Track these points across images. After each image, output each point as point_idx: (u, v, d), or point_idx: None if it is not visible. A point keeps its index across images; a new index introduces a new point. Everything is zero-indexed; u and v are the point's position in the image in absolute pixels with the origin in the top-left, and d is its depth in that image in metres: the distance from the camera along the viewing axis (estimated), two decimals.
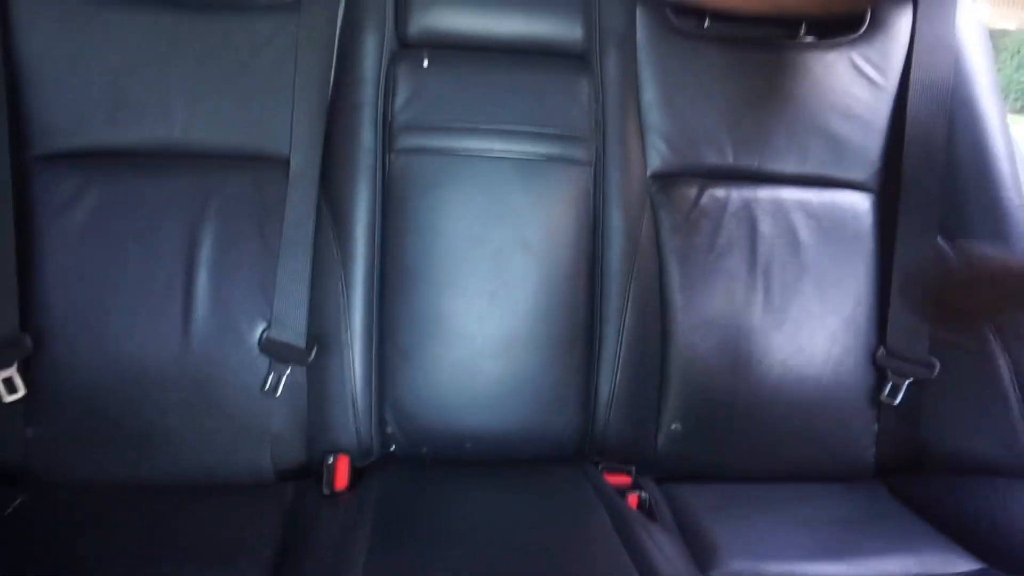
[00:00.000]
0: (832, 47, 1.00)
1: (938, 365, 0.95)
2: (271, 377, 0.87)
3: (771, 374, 0.97)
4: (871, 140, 1.01)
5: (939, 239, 0.98)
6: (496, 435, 0.92)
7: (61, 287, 0.83)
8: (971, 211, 0.97)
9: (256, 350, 0.87)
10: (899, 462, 1.00)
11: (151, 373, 0.85)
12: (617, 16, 0.97)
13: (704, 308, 0.97)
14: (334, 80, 0.91)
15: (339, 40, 0.91)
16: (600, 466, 0.95)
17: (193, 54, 0.87)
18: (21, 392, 0.81)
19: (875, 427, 1.00)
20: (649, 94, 0.98)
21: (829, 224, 1.00)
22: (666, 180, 0.99)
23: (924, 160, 0.97)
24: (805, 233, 0.99)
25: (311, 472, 0.89)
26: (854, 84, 1.00)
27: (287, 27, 0.88)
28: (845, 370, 0.99)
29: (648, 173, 0.99)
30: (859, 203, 1.02)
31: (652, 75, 0.98)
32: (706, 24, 1.00)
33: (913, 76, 0.99)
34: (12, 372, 0.81)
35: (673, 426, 0.97)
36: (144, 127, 0.86)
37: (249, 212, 0.88)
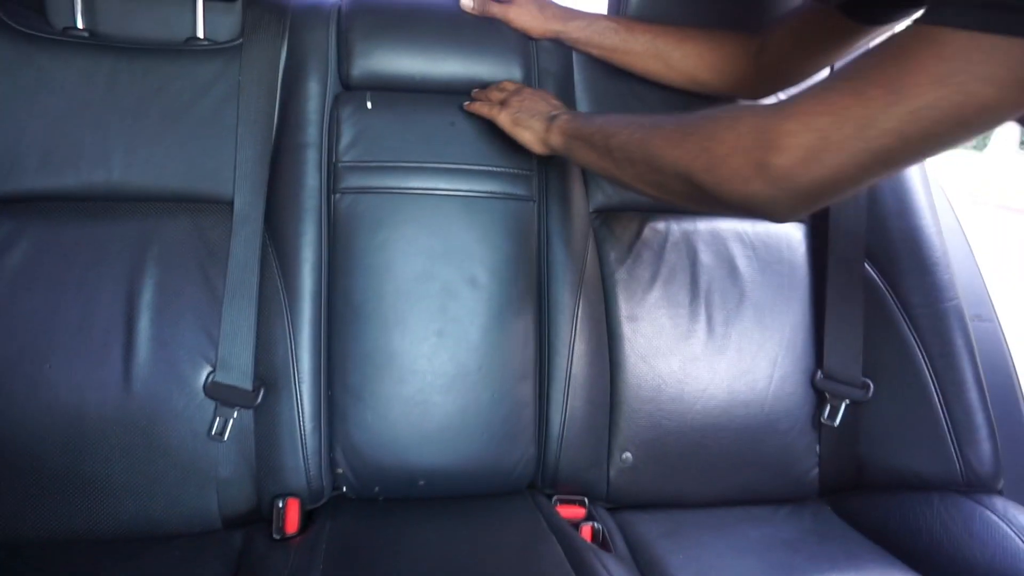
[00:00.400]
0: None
1: (872, 387, 0.99)
2: (217, 421, 0.85)
3: (717, 400, 1.00)
4: None
5: (866, 265, 1.02)
6: (449, 471, 0.92)
7: None
8: (893, 238, 1.01)
9: (201, 394, 0.86)
10: (841, 481, 1.03)
11: (91, 421, 0.82)
12: (554, 57, 1.00)
13: (650, 337, 0.99)
14: (278, 122, 0.91)
15: (282, 83, 0.91)
16: (553, 498, 0.96)
17: (133, 98, 0.86)
18: None
19: (817, 448, 1.03)
20: None
21: (765, 253, 1.04)
22: (608, 214, 1.01)
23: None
24: (743, 262, 1.03)
25: (260, 517, 0.88)
26: None
27: (229, 70, 0.89)
28: (786, 394, 1.02)
29: (591, 208, 1.01)
30: (792, 233, 1.06)
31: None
32: None
33: None
34: None
35: (624, 455, 0.98)
36: (81, 171, 0.85)
37: (192, 255, 0.87)
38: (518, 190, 0.96)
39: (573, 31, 0.96)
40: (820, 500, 1.04)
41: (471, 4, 0.94)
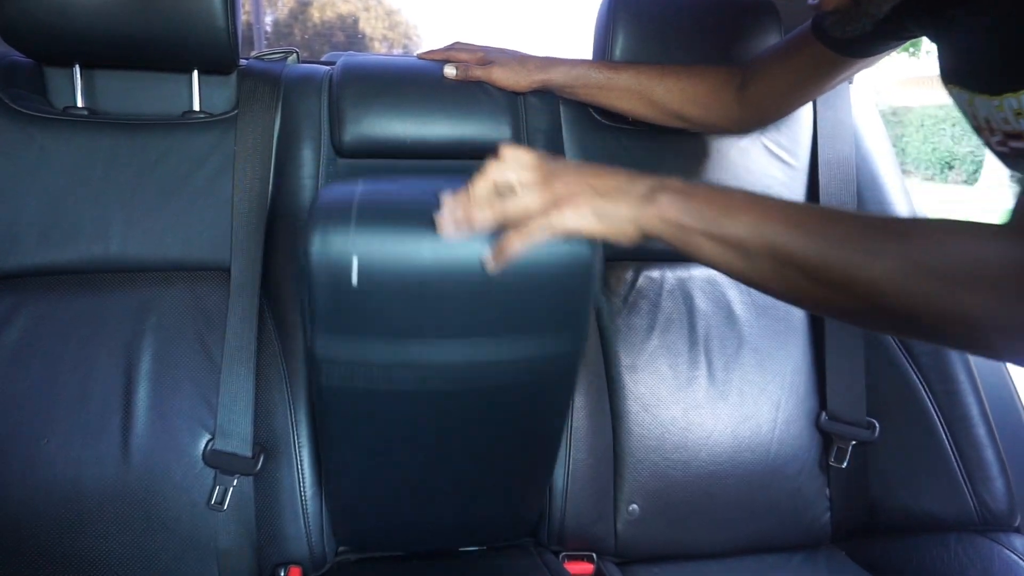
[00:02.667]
0: (753, 137, 1.07)
1: (878, 427, 0.98)
2: (217, 490, 0.84)
3: (722, 446, 0.99)
4: None
5: None
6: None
7: None
8: None
9: (200, 463, 0.85)
10: (854, 525, 1.01)
11: (89, 496, 0.81)
12: (543, 116, 1.02)
13: (651, 386, 0.99)
14: (273, 189, 0.92)
15: (277, 151, 0.93)
16: (560, 555, 0.94)
17: (131, 172, 0.88)
18: None
19: (828, 492, 1.01)
20: None
21: (760, 298, 1.04)
22: (601, 265, 1.02)
23: None
24: (740, 308, 1.04)
25: None
26: (770, 166, 1.07)
27: (224, 142, 0.91)
28: (792, 437, 1.01)
29: None
30: None
31: None
32: (629, 119, 1.05)
33: (820, 156, 1.06)
34: None
35: (631, 507, 0.96)
36: (80, 245, 0.86)
37: (190, 324, 0.87)
38: None
39: (556, 77, 0.98)
40: (833, 545, 1.02)
41: (453, 72, 0.96)
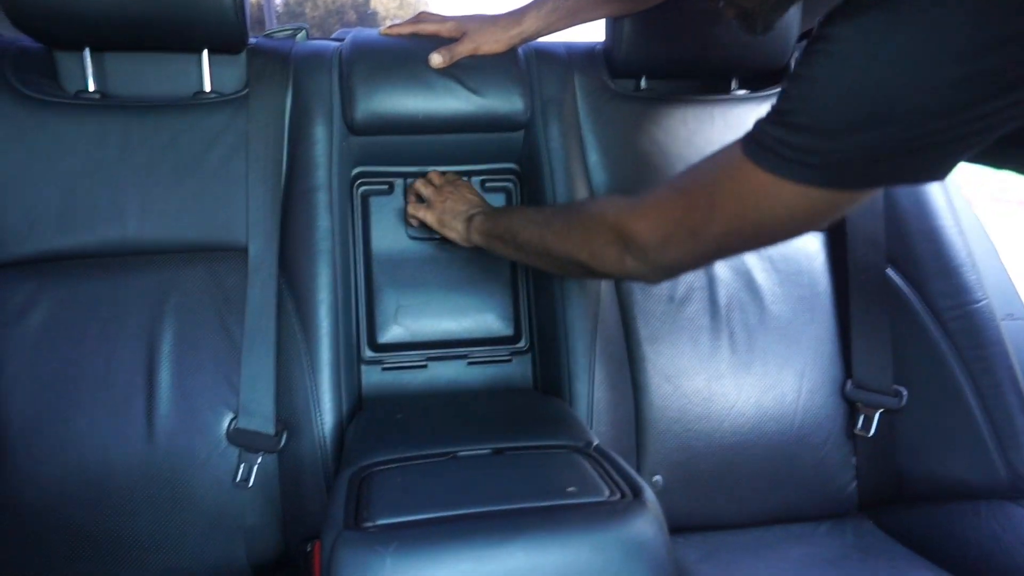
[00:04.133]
0: (763, 99, 1.05)
1: (905, 394, 0.96)
2: (241, 468, 0.85)
3: (746, 416, 0.98)
4: None
5: (889, 271, 1.00)
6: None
7: (18, 397, 0.82)
8: (915, 241, 0.99)
9: (224, 441, 0.85)
10: (881, 494, 1.00)
11: (117, 476, 0.83)
12: (555, 85, 1.01)
13: (672, 358, 0.98)
14: (287, 168, 0.92)
15: (289, 129, 0.93)
16: None
17: (144, 154, 0.88)
18: None
19: (853, 460, 1.00)
20: (594, 156, 1.01)
21: (783, 266, 1.03)
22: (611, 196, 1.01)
23: None
24: (761, 275, 1.02)
25: (288, 562, 0.87)
26: None
27: (236, 121, 0.90)
28: (816, 406, 1.00)
29: None
30: (810, 242, 1.05)
31: (594, 138, 1.01)
32: (642, 85, 1.04)
33: None
34: None
35: (654, 479, 0.96)
36: (97, 229, 0.86)
37: (209, 304, 0.87)
38: None
39: (530, 25, 0.95)
40: (861, 514, 1.01)
41: (440, 59, 0.93)
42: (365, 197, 1.02)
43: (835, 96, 0.51)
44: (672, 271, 0.71)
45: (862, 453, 1.00)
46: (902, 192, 1.02)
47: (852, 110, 0.50)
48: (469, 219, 0.93)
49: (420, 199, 1.01)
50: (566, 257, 0.77)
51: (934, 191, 1.02)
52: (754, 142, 0.57)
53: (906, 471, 0.99)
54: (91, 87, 0.88)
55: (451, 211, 0.95)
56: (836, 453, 1.00)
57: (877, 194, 1.02)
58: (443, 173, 1.03)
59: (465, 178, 1.03)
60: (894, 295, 0.99)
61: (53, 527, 0.81)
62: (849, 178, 0.54)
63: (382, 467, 0.67)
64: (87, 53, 0.87)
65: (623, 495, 0.59)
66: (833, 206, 0.57)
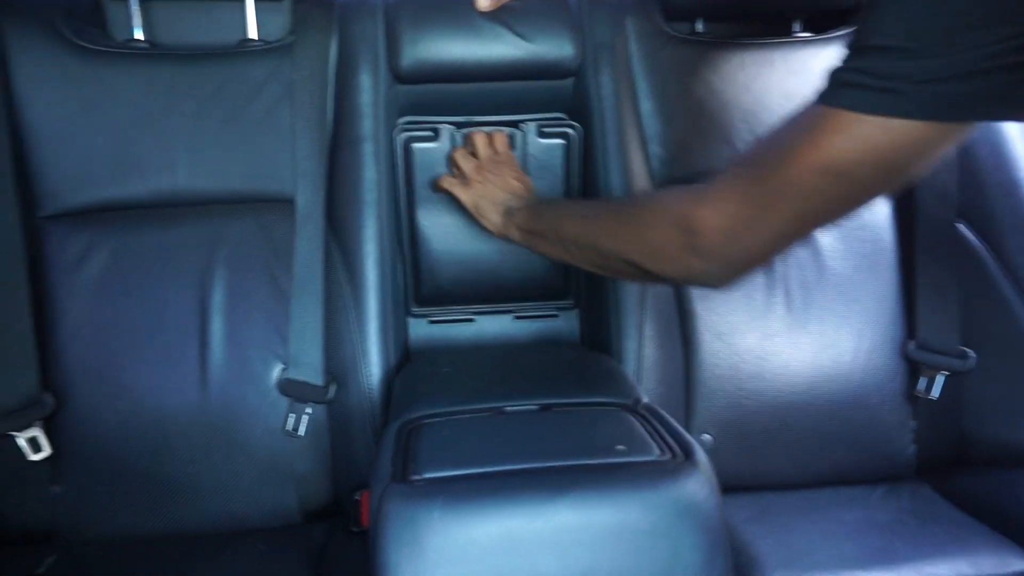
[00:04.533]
0: (827, 42, 0.99)
1: (973, 356, 0.92)
2: (291, 417, 0.87)
3: (800, 376, 0.95)
4: None
5: (960, 226, 0.95)
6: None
7: (78, 344, 0.84)
8: (990, 194, 0.93)
9: (275, 391, 0.87)
10: (941, 458, 0.96)
11: (172, 422, 0.85)
12: (607, 29, 0.97)
13: (724, 315, 0.95)
14: (333, 117, 0.91)
15: (335, 78, 0.92)
16: None
17: (191, 103, 0.88)
18: (46, 451, 0.81)
19: (912, 424, 0.97)
20: (646, 104, 0.98)
21: (844, 219, 0.98)
22: (670, 186, 0.97)
23: None
24: (821, 230, 0.98)
25: (339, 510, 0.89)
26: None
27: (281, 70, 0.89)
28: (875, 367, 0.96)
29: (653, 181, 0.98)
30: None
31: (648, 85, 0.98)
32: (698, 28, 1.00)
33: None
34: (36, 431, 0.81)
35: (704, 437, 0.95)
36: (148, 179, 0.87)
37: (258, 255, 0.88)
38: None
39: None
40: (918, 479, 0.97)
41: (487, 2, 0.87)
42: (408, 144, 1.00)
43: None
44: (742, 265, 0.61)
45: (922, 416, 0.96)
46: (979, 140, 0.96)
47: (948, 14, 0.44)
48: (508, 212, 0.87)
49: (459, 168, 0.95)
50: (617, 255, 0.69)
51: (1014, 139, 0.95)
52: (830, 84, 0.51)
53: (970, 435, 0.95)
54: (139, 35, 0.88)
55: (489, 197, 0.90)
56: (895, 415, 0.97)
57: None
58: (489, 142, 0.95)
59: (514, 131, 0.99)
60: (965, 251, 0.94)
61: (113, 469, 0.84)
62: (944, 106, 0.47)
63: (429, 420, 0.67)
64: (134, 1, 0.87)
65: (674, 454, 0.58)
66: (928, 146, 0.49)
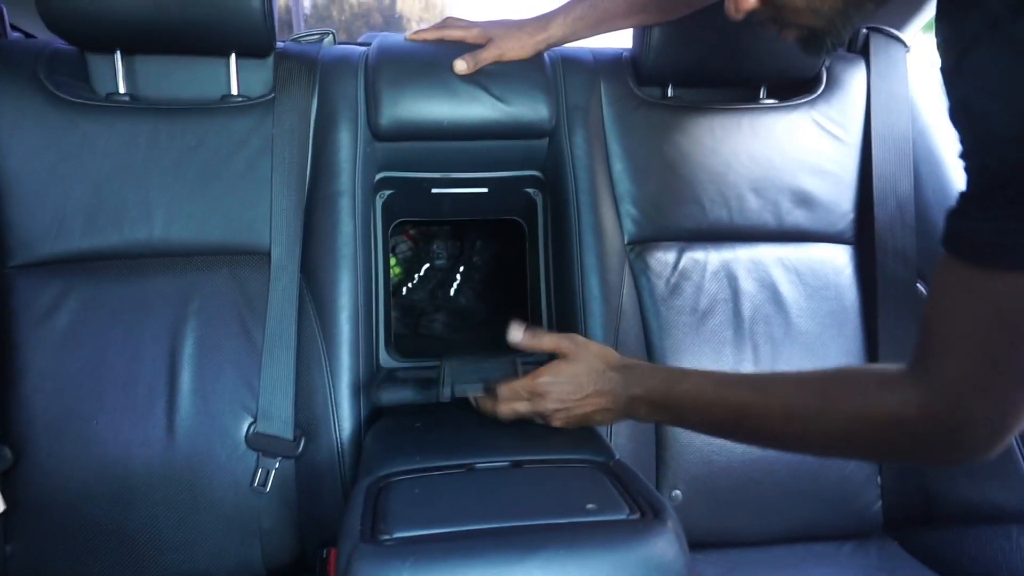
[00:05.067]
0: (793, 108, 1.03)
1: None
2: (259, 472, 0.85)
3: None
4: (842, 193, 1.03)
5: (919, 285, 0.98)
6: None
7: (42, 396, 0.82)
8: None
9: (243, 445, 0.86)
10: (908, 514, 0.98)
11: (137, 476, 0.83)
12: (582, 92, 1.00)
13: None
14: (311, 172, 0.92)
15: (314, 133, 0.93)
16: None
17: (172, 156, 0.88)
18: (0, 507, 0.79)
19: (879, 479, 0.98)
20: (619, 165, 1.00)
21: (810, 277, 1.01)
22: (643, 246, 1.00)
23: (895, 209, 0.99)
24: (787, 288, 1.00)
25: (305, 568, 0.87)
26: (819, 141, 1.03)
27: (262, 125, 0.91)
28: None
29: (625, 240, 1.00)
30: (837, 255, 1.03)
31: (620, 146, 1.00)
32: (669, 93, 1.03)
33: (874, 131, 1.02)
34: None
35: (674, 493, 0.95)
36: (124, 230, 0.87)
37: (231, 307, 0.88)
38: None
39: (556, 32, 0.94)
40: (886, 534, 0.99)
41: (464, 65, 0.92)
42: (388, 205, 1.01)
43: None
44: (1008, 437, 0.56)
45: (888, 471, 0.98)
46: (934, 205, 1.00)
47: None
48: (628, 403, 0.74)
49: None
50: (819, 448, 0.66)
51: None
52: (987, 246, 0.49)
53: (935, 491, 0.96)
54: (121, 89, 0.89)
55: (587, 413, 0.75)
56: (861, 472, 0.98)
57: (908, 206, 1.00)
58: (520, 383, 0.77)
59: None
60: None
61: (74, 525, 0.82)
62: None
63: (400, 477, 0.66)
64: (118, 55, 0.88)
65: (643, 513, 0.58)
66: None
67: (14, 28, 1.01)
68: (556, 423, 0.76)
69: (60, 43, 0.90)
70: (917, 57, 1.07)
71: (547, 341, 0.78)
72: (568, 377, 0.75)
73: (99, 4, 0.81)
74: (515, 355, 0.81)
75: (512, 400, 0.76)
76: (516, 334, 0.79)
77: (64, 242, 0.86)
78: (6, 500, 0.80)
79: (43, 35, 0.93)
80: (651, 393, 0.73)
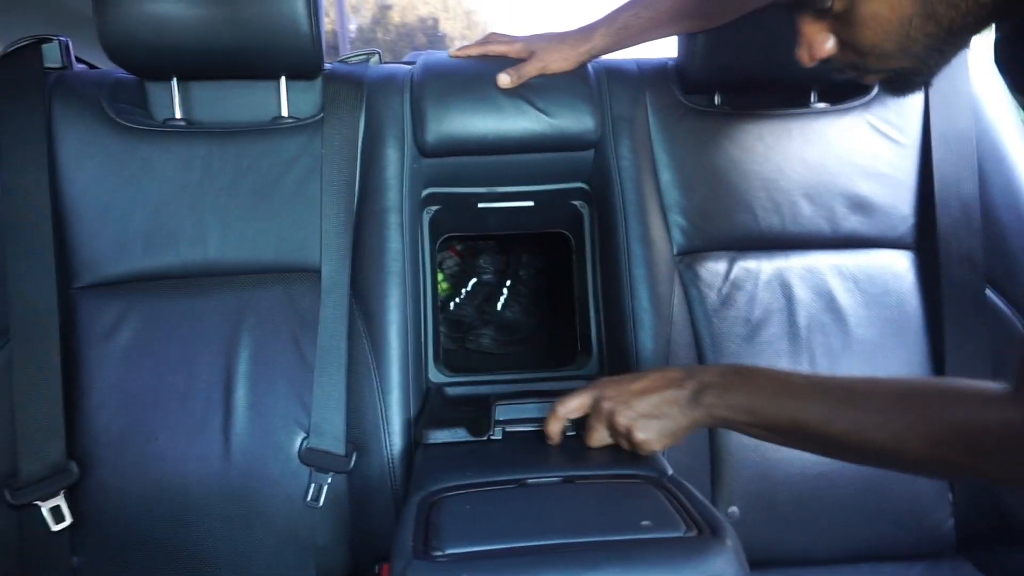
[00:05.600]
0: (846, 111, 1.00)
1: None
2: (312, 487, 0.86)
3: None
4: (900, 197, 0.99)
5: (988, 291, 0.94)
6: None
7: (105, 413, 0.85)
8: (1018, 259, 0.93)
9: (296, 460, 0.86)
10: (982, 533, 0.93)
11: (194, 492, 0.85)
12: (627, 103, 0.99)
13: None
14: (359, 190, 0.93)
15: (361, 152, 0.94)
16: None
17: (225, 178, 0.90)
18: (68, 520, 0.81)
19: (950, 496, 0.94)
20: (666, 175, 0.99)
21: (868, 286, 0.97)
22: (693, 256, 0.98)
23: (959, 211, 0.95)
24: (844, 296, 0.97)
25: None
26: (874, 143, 0.99)
27: (312, 145, 0.92)
28: None
29: (674, 251, 0.98)
30: (897, 261, 0.99)
31: (667, 156, 0.99)
32: (716, 100, 1.01)
33: (934, 130, 0.98)
34: (59, 500, 0.81)
35: (731, 510, 0.92)
36: (181, 251, 0.89)
37: (284, 324, 0.89)
38: None
39: (600, 42, 0.93)
40: (958, 555, 0.94)
41: (508, 80, 0.92)
42: (435, 221, 1.02)
43: None
44: None
45: (960, 488, 0.93)
46: (1000, 205, 0.96)
47: None
48: (696, 396, 0.69)
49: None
50: (910, 464, 0.61)
51: None
52: None
53: (1011, 508, 0.91)
54: (178, 114, 0.92)
55: (653, 406, 0.70)
56: (931, 487, 0.93)
57: (973, 207, 0.95)
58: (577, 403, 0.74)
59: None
60: (995, 318, 0.92)
61: (134, 540, 0.84)
62: None
63: (451, 493, 0.66)
64: (175, 82, 0.91)
65: (700, 530, 0.57)
66: None
67: (79, 60, 1.05)
68: (621, 422, 0.69)
69: (121, 73, 0.93)
70: (977, 52, 1.03)
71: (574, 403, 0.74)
72: (623, 376, 0.74)
73: (156, 35, 0.84)
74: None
75: (569, 413, 0.74)
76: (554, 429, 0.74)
77: (125, 263, 0.88)
78: (73, 514, 0.82)
79: (105, 65, 0.96)
80: (724, 374, 0.68)
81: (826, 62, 0.59)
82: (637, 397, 0.70)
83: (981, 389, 0.57)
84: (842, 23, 0.56)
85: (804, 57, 0.59)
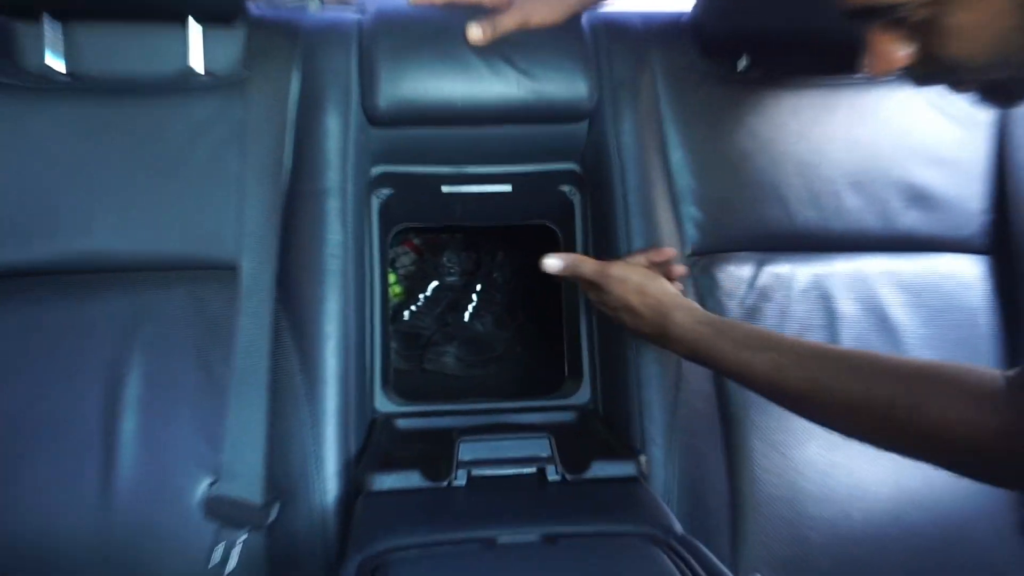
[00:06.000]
0: (904, 82, 0.87)
1: None
2: (220, 548, 0.74)
3: (879, 500, 0.83)
4: (970, 189, 0.91)
5: None
6: None
7: None
8: None
9: (199, 512, 0.75)
10: None
11: (61, 553, 0.73)
12: (629, 65, 0.90)
13: (780, 418, 0.82)
14: (291, 167, 0.83)
15: (295, 119, 0.85)
16: None
17: (118, 149, 0.80)
18: None
19: None
20: (677, 155, 0.90)
21: (930, 298, 0.89)
22: (711, 257, 0.88)
23: None
24: (899, 311, 0.88)
25: None
26: (938, 123, 0.92)
27: (231, 109, 0.82)
28: (979, 488, 0.78)
29: (686, 251, 0.88)
30: (966, 268, 0.90)
31: (679, 132, 0.90)
32: (742, 65, 0.91)
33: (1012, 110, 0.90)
34: None
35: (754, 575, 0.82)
36: (59, 240, 0.78)
37: (188, 336, 0.78)
38: None
39: None
40: None
41: (480, 34, 0.82)
42: (386, 208, 0.92)
43: None
44: None
45: None
46: None
47: None
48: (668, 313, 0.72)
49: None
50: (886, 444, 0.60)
51: None
52: None
53: None
54: (56, 64, 0.80)
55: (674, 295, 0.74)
56: (1004, 552, 0.83)
57: None
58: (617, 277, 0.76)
59: None
60: None
61: None
62: None
63: (400, 554, 0.59)
64: (47, 21, 0.79)
65: None
66: None
67: None
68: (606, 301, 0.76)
69: None
70: None
71: (588, 266, 0.77)
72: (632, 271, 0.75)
73: None
74: (548, 433, 0.75)
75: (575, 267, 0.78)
76: (553, 263, 0.78)
77: None
78: None
79: None
80: (701, 314, 0.70)
81: (905, 71, 0.56)
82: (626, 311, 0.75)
83: (978, 384, 0.55)
84: (922, 33, 0.53)
85: (873, 68, 0.57)
